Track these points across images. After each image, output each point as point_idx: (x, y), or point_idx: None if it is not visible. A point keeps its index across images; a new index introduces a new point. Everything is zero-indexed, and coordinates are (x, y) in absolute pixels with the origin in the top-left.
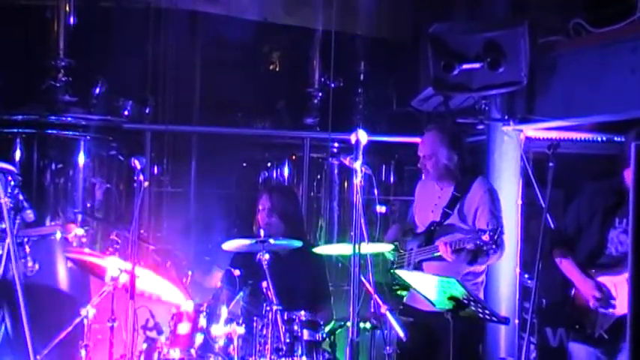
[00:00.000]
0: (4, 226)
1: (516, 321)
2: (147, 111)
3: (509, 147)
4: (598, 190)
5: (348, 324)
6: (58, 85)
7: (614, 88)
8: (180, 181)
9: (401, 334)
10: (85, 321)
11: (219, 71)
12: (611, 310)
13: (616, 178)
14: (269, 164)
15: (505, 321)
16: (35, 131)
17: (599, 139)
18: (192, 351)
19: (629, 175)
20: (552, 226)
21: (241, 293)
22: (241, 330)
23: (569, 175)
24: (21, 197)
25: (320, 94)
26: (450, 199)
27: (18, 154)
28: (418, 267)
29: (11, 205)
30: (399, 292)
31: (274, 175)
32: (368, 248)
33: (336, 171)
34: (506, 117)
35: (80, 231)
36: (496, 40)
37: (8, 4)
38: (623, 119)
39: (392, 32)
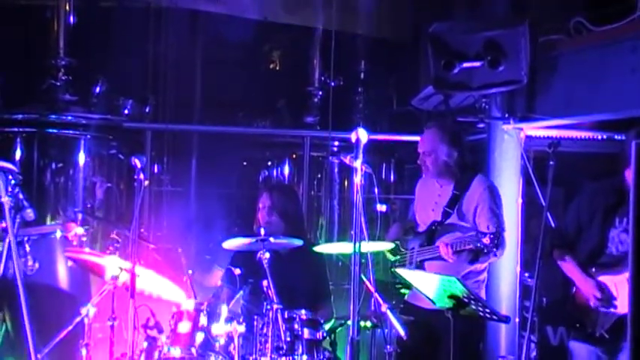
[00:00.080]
0: (4, 224)
1: (517, 319)
2: (147, 110)
3: (510, 145)
4: (598, 189)
5: (349, 322)
6: (58, 84)
7: (615, 87)
8: (181, 180)
9: (401, 332)
10: (86, 320)
11: (219, 70)
12: (611, 309)
13: (616, 177)
14: (269, 163)
15: (505, 319)
16: (35, 130)
17: (600, 137)
18: (193, 350)
19: (629, 175)
20: (553, 224)
21: (242, 292)
22: (242, 329)
23: (570, 173)
24: (21, 196)
25: (320, 93)
26: (451, 198)
27: (18, 153)
28: (420, 266)
29: (11, 204)
30: (402, 291)
31: (275, 173)
32: (368, 247)
33: (336, 170)
34: (506, 115)
35: (80, 230)
36: (496, 39)
37: (8, 4)
38: (624, 118)
39: (392, 31)
